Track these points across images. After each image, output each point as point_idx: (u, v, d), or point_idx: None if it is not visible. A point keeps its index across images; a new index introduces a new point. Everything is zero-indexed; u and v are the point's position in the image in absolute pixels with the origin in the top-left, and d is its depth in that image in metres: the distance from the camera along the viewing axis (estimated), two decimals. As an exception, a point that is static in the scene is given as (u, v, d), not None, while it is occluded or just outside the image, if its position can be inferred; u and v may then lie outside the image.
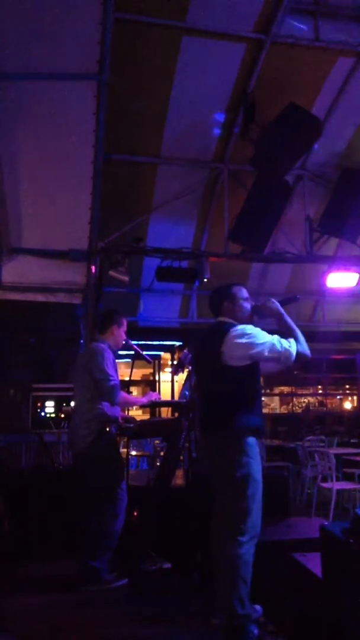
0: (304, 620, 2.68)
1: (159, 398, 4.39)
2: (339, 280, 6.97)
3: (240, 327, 2.89)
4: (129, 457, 5.60)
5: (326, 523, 2.68)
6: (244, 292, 3.12)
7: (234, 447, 2.77)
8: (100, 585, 3.55)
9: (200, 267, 6.28)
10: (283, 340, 2.83)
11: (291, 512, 4.11)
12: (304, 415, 13.08)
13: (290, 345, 2.81)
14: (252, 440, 2.80)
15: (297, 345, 2.83)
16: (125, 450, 5.32)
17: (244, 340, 2.82)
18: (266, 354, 2.79)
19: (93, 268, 5.84)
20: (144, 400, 4.20)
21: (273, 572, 2.93)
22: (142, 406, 5.29)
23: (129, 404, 4.33)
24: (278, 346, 2.79)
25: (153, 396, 4.25)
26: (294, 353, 2.80)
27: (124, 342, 4.04)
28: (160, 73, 5.43)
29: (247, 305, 3.08)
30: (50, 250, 5.79)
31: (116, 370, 3.79)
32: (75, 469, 3.97)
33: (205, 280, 6.16)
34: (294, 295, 3.42)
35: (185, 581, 3.59)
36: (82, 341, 6.29)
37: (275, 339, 2.82)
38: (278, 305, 3.01)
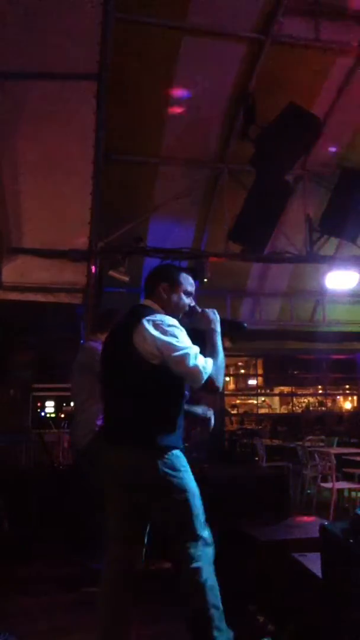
0: (304, 621, 2.68)
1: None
2: (339, 280, 6.97)
3: (160, 316, 2.35)
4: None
5: (326, 523, 2.68)
6: (190, 285, 2.57)
7: (160, 465, 2.24)
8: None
9: (200, 267, 6.28)
10: (200, 356, 2.28)
11: (291, 512, 4.11)
12: (304, 415, 13.09)
13: (205, 366, 2.26)
14: (177, 452, 2.31)
15: (212, 368, 2.29)
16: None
17: (158, 334, 2.27)
18: (174, 363, 2.24)
19: (93, 268, 5.85)
20: None
21: (273, 572, 2.93)
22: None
23: None
24: (192, 361, 2.23)
25: None
26: (205, 377, 2.25)
27: None
28: (160, 73, 5.43)
29: (186, 300, 2.54)
30: (50, 250, 5.80)
31: None
32: (76, 468, 3.98)
33: (205, 280, 6.17)
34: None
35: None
36: (82, 341, 6.29)
37: (193, 349, 2.27)
38: (218, 319, 2.51)
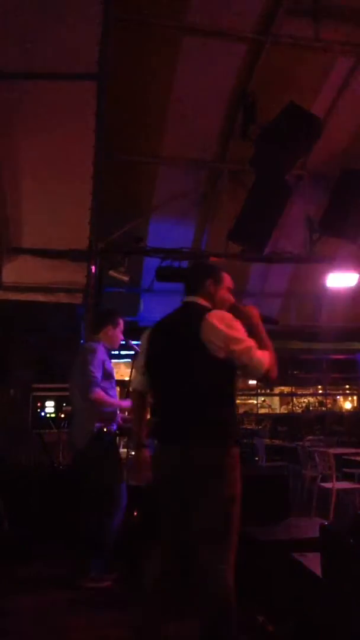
0: (303, 621, 2.68)
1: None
2: (339, 280, 6.97)
3: (220, 312, 2.43)
4: (129, 457, 5.59)
5: (326, 523, 2.68)
6: (230, 282, 2.66)
7: (223, 461, 2.31)
8: (95, 583, 3.55)
9: (201, 267, 6.28)
10: (258, 350, 2.38)
11: (291, 512, 4.11)
12: (304, 415, 13.09)
13: (264, 358, 2.36)
14: (236, 450, 2.37)
15: (270, 361, 2.38)
16: (125, 450, 5.31)
17: (224, 328, 2.33)
18: (239, 356, 2.33)
19: (93, 268, 5.84)
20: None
21: (273, 572, 2.93)
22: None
23: (111, 406, 3.81)
24: (255, 352, 2.34)
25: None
26: (265, 368, 2.36)
27: (122, 342, 4.04)
28: (160, 73, 5.43)
29: (229, 296, 2.63)
30: (50, 250, 5.79)
31: (105, 370, 3.76)
32: (74, 468, 3.99)
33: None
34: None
35: (185, 581, 3.59)
36: (82, 341, 6.30)
37: (254, 342, 2.37)
38: (258, 313, 2.58)
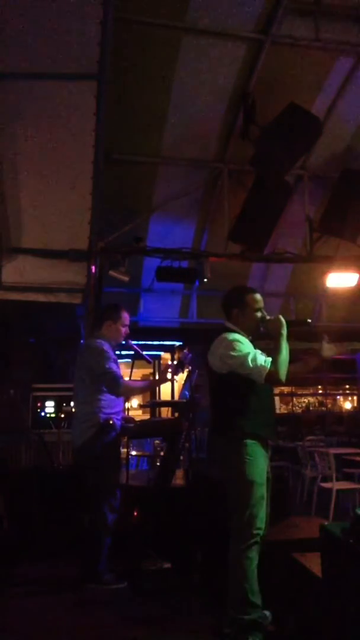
0: (304, 620, 2.69)
1: (170, 365, 4.22)
2: (339, 280, 6.97)
3: (224, 336, 2.96)
4: (129, 457, 5.59)
5: (326, 523, 2.68)
6: (258, 301, 3.08)
7: (233, 450, 2.84)
8: (100, 584, 3.54)
9: (200, 267, 6.28)
10: (259, 357, 2.81)
11: (291, 512, 4.11)
12: (304, 415, 13.09)
13: (264, 364, 2.78)
14: (251, 442, 2.84)
15: (271, 366, 2.79)
16: (125, 450, 5.31)
17: (221, 350, 2.91)
18: (238, 368, 2.83)
19: (93, 268, 5.84)
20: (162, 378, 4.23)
21: (273, 572, 2.93)
22: (142, 407, 5.14)
23: (141, 390, 4.42)
24: (250, 363, 2.78)
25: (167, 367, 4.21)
26: (264, 373, 2.77)
27: (124, 337, 3.99)
28: (160, 73, 5.43)
29: (257, 315, 3.06)
30: (50, 250, 5.79)
31: (116, 364, 3.78)
32: (75, 465, 3.99)
33: (205, 280, 6.17)
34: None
35: (185, 581, 3.60)
36: (82, 341, 6.29)
37: (250, 354, 2.82)
38: (284, 325, 2.94)
